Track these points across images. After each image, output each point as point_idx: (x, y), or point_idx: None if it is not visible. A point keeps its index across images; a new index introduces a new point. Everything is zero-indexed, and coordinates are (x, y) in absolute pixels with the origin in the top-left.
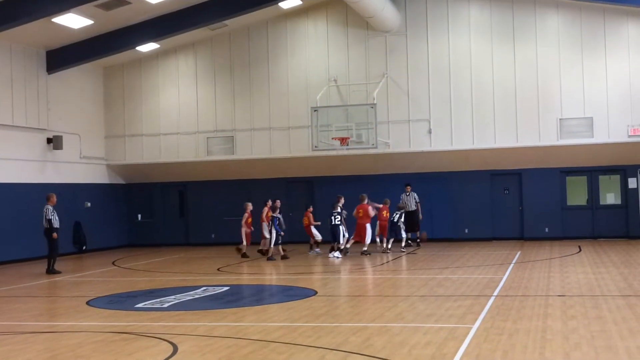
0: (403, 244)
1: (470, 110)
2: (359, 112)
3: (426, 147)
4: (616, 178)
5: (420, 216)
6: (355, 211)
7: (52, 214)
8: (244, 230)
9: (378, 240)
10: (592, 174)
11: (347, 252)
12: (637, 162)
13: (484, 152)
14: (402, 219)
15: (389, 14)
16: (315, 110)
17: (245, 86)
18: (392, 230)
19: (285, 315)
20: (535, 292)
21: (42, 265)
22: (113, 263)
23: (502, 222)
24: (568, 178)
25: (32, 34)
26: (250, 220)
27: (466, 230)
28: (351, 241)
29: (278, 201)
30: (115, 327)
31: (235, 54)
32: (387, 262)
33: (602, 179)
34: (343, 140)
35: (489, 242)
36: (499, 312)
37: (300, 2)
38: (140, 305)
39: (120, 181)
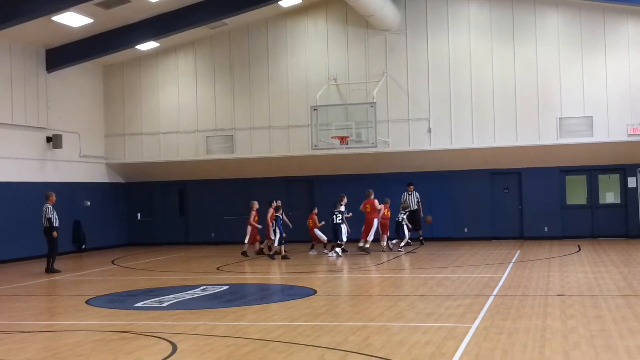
0: (402, 243)
1: (470, 109)
2: (359, 111)
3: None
4: (616, 177)
5: (422, 214)
6: (362, 206)
7: (52, 212)
8: (249, 229)
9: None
10: (592, 173)
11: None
12: (636, 161)
13: (483, 151)
14: (406, 219)
15: (388, 13)
16: (314, 109)
17: (245, 85)
18: (397, 230)
19: (284, 315)
20: (535, 291)
21: (42, 264)
22: (112, 262)
23: (501, 221)
24: (568, 177)
25: (32, 32)
26: (257, 218)
27: (466, 230)
28: (369, 241)
29: (279, 201)
30: (115, 326)
31: (235, 52)
32: (387, 260)
33: (602, 178)
34: (343, 139)
35: (488, 241)
36: (498, 311)
37: (300, 1)
38: (139, 304)
39: (120, 180)
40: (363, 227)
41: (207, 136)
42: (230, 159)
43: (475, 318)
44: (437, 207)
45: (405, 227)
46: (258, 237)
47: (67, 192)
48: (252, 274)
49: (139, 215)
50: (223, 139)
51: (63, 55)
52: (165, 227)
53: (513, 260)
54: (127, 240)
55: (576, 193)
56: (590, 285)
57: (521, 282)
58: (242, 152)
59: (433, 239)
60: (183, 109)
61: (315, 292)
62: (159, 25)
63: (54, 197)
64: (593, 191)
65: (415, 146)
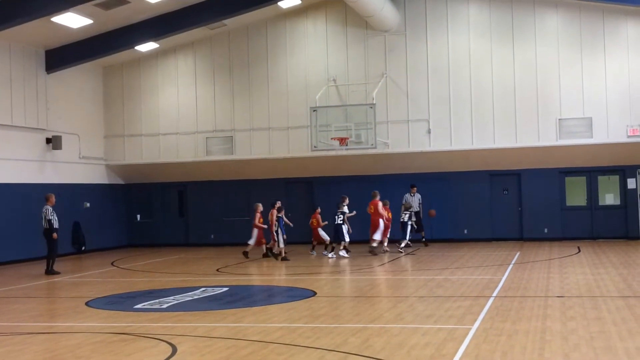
0: (402, 244)
1: (469, 110)
2: (358, 112)
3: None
4: (615, 178)
5: (421, 216)
6: (368, 207)
7: (52, 214)
8: (255, 231)
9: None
10: (591, 174)
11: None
12: (636, 162)
13: (483, 153)
14: (412, 218)
15: (388, 14)
16: (314, 110)
17: (244, 86)
18: (403, 231)
19: (284, 316)
20: (535, 293)
21: (41, 266)
22: (112, 264)
23: (501, 222)
24: (567, 178)
25: (31, 33)
26: (262, 220)
27: (465, 231)
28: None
29: (279, 202)
30: (114, 327)
31: (235, 53)
32: (387, 262)
33: (601, 179)
34: (342, 141)
35: (488, 242)
36: (498, 313)
37: (300, 2)
38: (139, 306)
39: (120, 181)
40: (370, 229)
41: (206, 137)
42: (230, 160)
43: (475, 320)
44: (437, 208)
45: (410, 227)
46: (264, 240)
47: (67, 194)
48: (252, 275)
49: (138, 216)
50: (223, 140)
51: (62, 56)
52: (165, 229)
53: (513, 262)
54: (127, 241)
55: (576, 194)
56: (590, 286)
57: (521, 283)
58: (241, 153)
59: (433, 241)
60: (182, 110)
61: (315, 293)
62: (159, 26)
63: (53, 199)
64: (593, 192)
65: (414, 147)
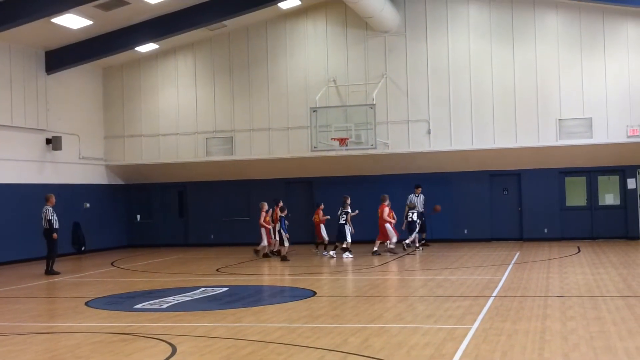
0: (409, 239)
1: (469, 111)
2: (358, 112)
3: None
4: (615, 179)
5: (424, 216)
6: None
7: (52, 214)
8: (263, 230)
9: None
10: (591, 174)
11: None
12: (636, 162)
13: (483, 153)
14: (421, 218)
15: (388, 15)
16: (314, 111)
17: (244, 87)
18: (410, 229)
19: (284, 316)
20: (534, 292)
21: (41, 266)
22: (112, 264)
23: (501, 222)
24: (567, 179)
25: (31, 34)
26: (267, 219)
27: (465, 231)
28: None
29: (280, 202)
30: (114, 328)
31: (235, 54)
32: (389, 261)
33: (601, 179)
34: (342, 141)
35: (488, 242)
36: (497, 313)
37: (300, 3)
38: (139, 306)
39: (119, 182)
40: (378, 236)
41: (206, 138)
42: (230, 161)
43: (475, 320)
44: None
45: (416, 225)
46: (271, 240)
47: (67, 194)
48: (252, 275)
49: (138, 217)
50: (222, 140)
51: (62, 57)
52: (165, 229)
53: (512, 262)
54: (127, 242)
55: (576, 194)
56: (590, 286)
57: (521, 283)
58: (241, 153)
59: (433, 241)
60: (182, 111)
61: (314, 293)
62: (159, 27)
63: (53, 199)
64: (592, 193)
65: (414, 148)
